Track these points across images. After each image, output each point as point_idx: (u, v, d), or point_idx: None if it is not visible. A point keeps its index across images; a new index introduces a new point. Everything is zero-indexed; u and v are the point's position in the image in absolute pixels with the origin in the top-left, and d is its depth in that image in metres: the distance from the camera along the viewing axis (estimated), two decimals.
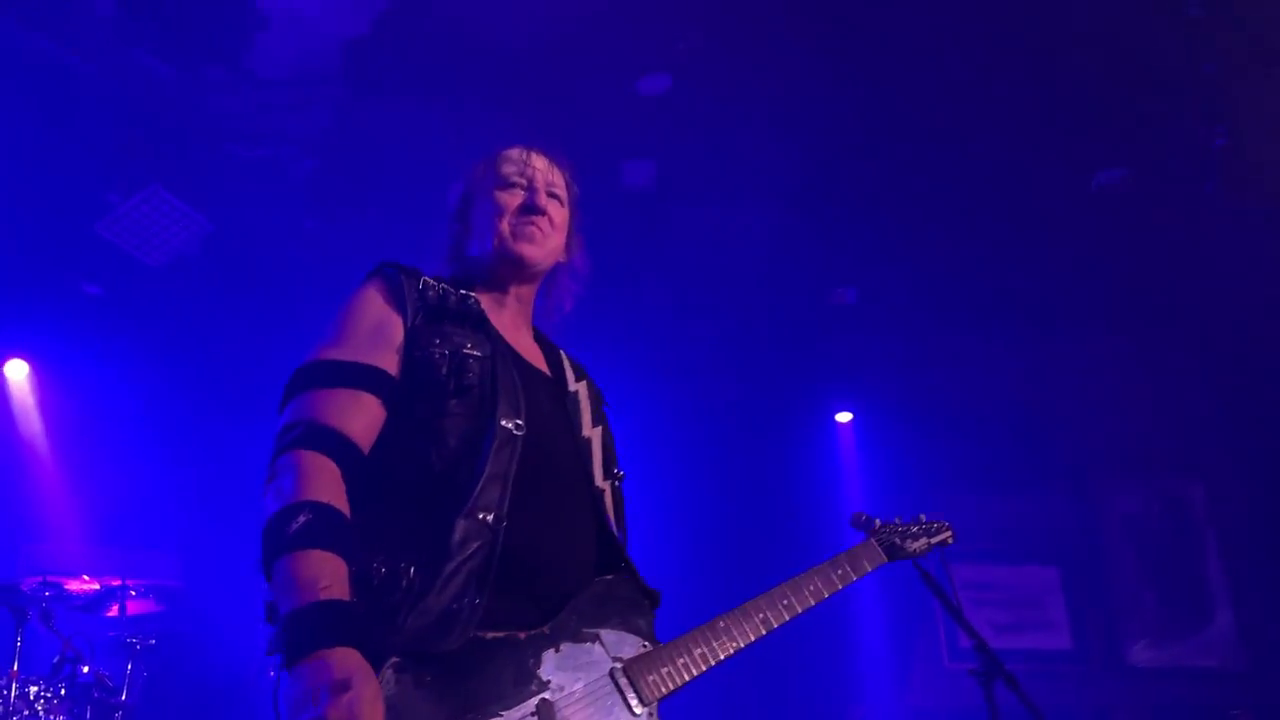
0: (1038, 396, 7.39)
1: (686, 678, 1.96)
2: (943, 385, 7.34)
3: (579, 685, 1.83)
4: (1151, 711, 6.67)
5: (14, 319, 6.26)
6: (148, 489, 6.48)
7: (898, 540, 2.55)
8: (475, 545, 1.80)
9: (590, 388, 2.27)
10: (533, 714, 1.75)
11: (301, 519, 1.68)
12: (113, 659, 4.90)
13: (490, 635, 1.78)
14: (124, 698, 4.79)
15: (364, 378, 1.89)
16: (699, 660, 1.98)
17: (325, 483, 1.75)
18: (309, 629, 1.58)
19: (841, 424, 7.68)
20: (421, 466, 1.89)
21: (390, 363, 1.93)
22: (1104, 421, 7.47)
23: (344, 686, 1.52)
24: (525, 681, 1.78)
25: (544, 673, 1.80)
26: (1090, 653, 7.22)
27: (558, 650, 1.84)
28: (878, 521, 2.60)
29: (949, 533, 2.68)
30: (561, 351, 2.31)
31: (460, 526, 1.81)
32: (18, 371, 6.43)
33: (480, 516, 1.82)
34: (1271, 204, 5.61)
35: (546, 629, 1.85)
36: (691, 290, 6.66)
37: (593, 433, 2.18)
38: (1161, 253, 6.39)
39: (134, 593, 5.16)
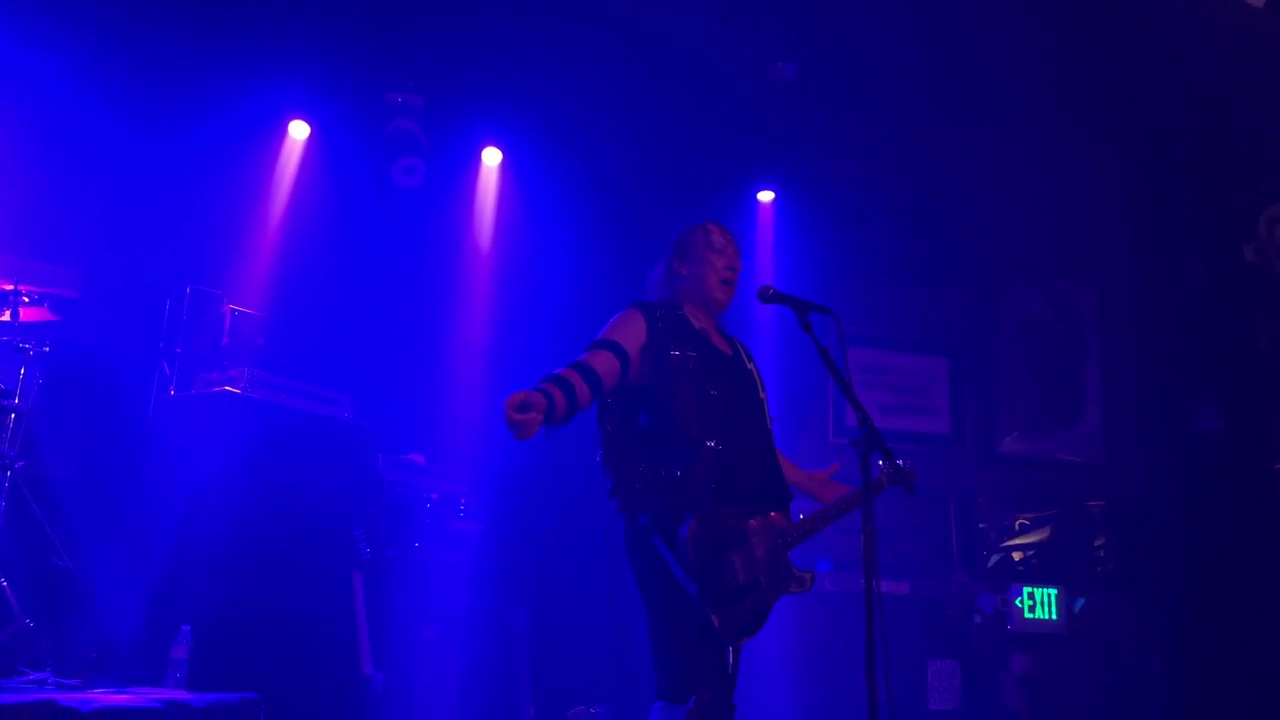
0: (953, 192, 7.49)
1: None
2: (864, 174, 7.36)
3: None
4: (1013, 495, 7.17)
5: None
6: (43, 198, 6.20)
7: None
8: (704, 462, 3.11)
9: (755, 365, 3.50)
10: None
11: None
12: (4, 363, 4.84)
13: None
14: (16, 400, 4.77)
15: (609, 345, 3.20)
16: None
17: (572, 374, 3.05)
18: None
19: (763, 203, 7.67)
20: (671, 416, 3.15)
21: (631, 345, 3.21)
22: (1007, 223, 7.70)
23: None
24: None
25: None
26: (965, 438, 7.66)
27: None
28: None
29: None
30: (737, 341, 3.57)
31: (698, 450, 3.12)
32: None
33: (707, 444, 3.12)
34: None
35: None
36: (624, 47, 6.42)
37: (763, 395, 3.42)
38: (1086, 53, 6.39)
39: (27, 299, 5.03)
